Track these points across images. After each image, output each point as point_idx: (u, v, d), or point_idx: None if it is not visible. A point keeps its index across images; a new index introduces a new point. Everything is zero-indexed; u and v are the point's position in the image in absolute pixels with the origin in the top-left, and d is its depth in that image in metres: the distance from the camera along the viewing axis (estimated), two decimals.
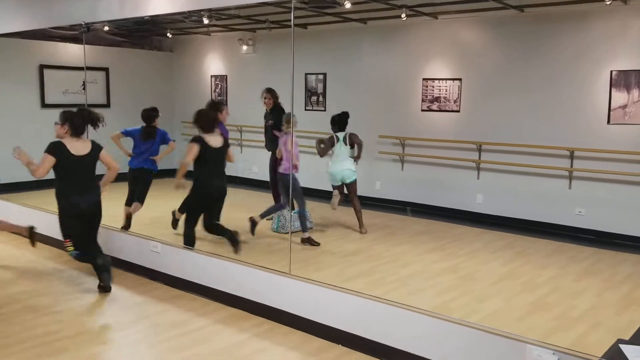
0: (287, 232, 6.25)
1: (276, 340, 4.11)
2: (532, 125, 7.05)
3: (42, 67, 9.07)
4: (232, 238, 5.25)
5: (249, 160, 9.66)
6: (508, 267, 5.54)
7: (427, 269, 5.44)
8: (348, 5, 6.61)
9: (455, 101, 7.63)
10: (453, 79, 7.62)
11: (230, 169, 9.84)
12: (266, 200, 7.61)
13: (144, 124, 6.13)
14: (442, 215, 7.65)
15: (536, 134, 7.00)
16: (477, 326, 3.52)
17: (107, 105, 9.88)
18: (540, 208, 7.06)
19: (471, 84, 7.52)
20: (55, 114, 9.28)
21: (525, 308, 4.51)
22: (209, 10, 7.13)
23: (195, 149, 4.96)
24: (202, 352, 3.88)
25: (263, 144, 7.96)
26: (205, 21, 7.95)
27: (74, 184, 4.76)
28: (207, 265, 4.90)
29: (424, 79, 7.87)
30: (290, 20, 8.12)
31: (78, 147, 4.74)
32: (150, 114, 6.10)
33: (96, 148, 4.84)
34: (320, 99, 8.79)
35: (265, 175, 8.20)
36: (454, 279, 5.16)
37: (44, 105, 9.04)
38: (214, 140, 5.12)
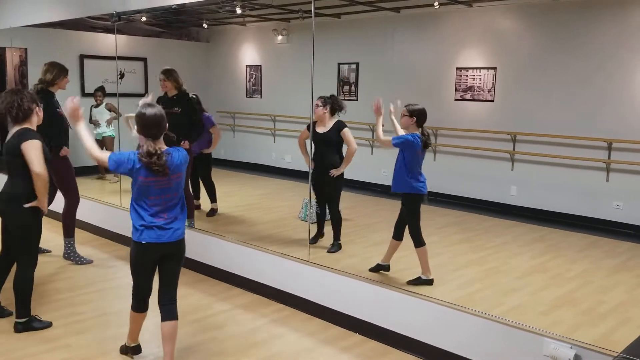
0: (314, 222, 6.27)
1: (294, 326, 4.14)
2: (568, 115, 6.83)
3: (82, 57, 9.33)
4: None
5: (283, 149, 9.72)
6: (537, 261, 5.40)
7: (454, 261, 5.36)
8: None
9: (489, 90, 7.47)
10: (487, 68, 7.45)
11: (264, 158, 10.04)
12: (299, 189, 7.66)
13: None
14: (474, 207, 7.51)
15: (573, 125, 6.78)
16: (494, 318, 3.46)
17: (146, 94, 10.08)
18: (576, 201, 6.85)
19: (506, 73, 7.33)
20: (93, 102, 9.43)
21: (551, 302, 4.39)
22: None
23: None
24: (219, 336, 3.94)
25: (297, 134, 7.86)
26: (239, 11, 8.01)
27: None
28: (229, 251, 4.97)
29: (457, 68, 7.72)
30: (322, 9, 8.15)
31: None
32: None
33: None
34: (353, 88, 8.74)
35: (299, 165, 8.18)
36: (480, 272, 5.07)
37: (84, 94, 9.29)
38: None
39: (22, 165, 3.72)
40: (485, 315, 3.49)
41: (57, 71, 5.14)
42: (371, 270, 4.76)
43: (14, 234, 3.84)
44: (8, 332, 3.89)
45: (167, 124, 3.19)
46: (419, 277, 4.53)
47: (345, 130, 5.28)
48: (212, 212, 6.64)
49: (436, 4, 7.00)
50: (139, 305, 3.37)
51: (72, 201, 5.42)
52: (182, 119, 5.37)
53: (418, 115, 4.55)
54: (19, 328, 3.88)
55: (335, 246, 5.37)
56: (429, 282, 4.51)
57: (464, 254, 5.57)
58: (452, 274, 4.96)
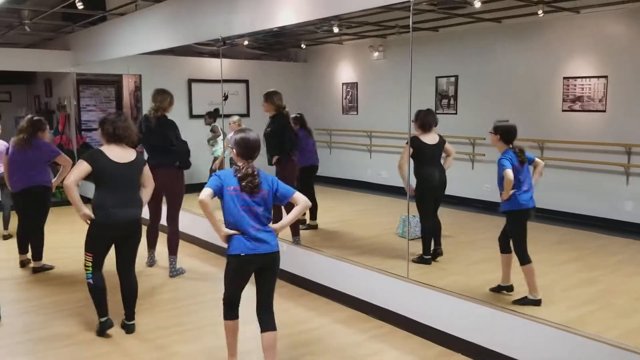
0: (412, 238, 6.18)
1: (393, 343, 4.08)
2: None
3: (190, 81, 9.90)
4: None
5: (379, 165, 9.71)
6: None
7: (563, 281, 5.07)
8: (478, 5, 6.41)
9: (600, 100, 7.04)
10: (598, 77, 7.03)
11: (360, 174, 10.07)
12: (395, 204, 7.59)
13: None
14: (584, 223, 7.05)
15: None
16: (612, 342, 3.21)
17: (247, 114, 10.48)
18: None
19: (618, 81, 6.87)
20: (202, 124, 10.00)
21: None
22: (338, 19, 7.33)
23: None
24: (320, 349, 3.97)
25: (393, 150, 7.83)
26: (336, 30, 8.16)
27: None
28: (329, 266, 5.01)
29: (564, 78, 7.35)
30: (419, 24, 8.11)
31: None
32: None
33: None
34: (452, 101, 8.58)
35: (395, 180, 8.10)
36: (592, 292, 4.76)
37: (192, 116, 9.84)
38: (430, 138, 5.36)
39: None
40: (599, 338, 3.25)
41: (171, 97, 5.62)
42: (492, 290, 4.61)
43: (135, 240, 4.21)
44: (117, 338, 4.16)
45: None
46: (526, 297, 4.32)
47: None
48: (309, 227, 6.76)
49: (540, 12, 6.75)
50: (229, 312, 3.49)
51: (178, 222, 5.77)
52: (272, 137, 5.78)
53: (502, 132, 4.45)
54: (133, 329, 4.23)
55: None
56: (537, 303, 4.29)
57: (574, 273, 5.25)
58: (562, 294, 4.69)
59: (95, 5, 8.38)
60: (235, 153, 3.39)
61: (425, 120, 5.39)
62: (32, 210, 5.77)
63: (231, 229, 3.33)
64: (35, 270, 5.82)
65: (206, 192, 3.25)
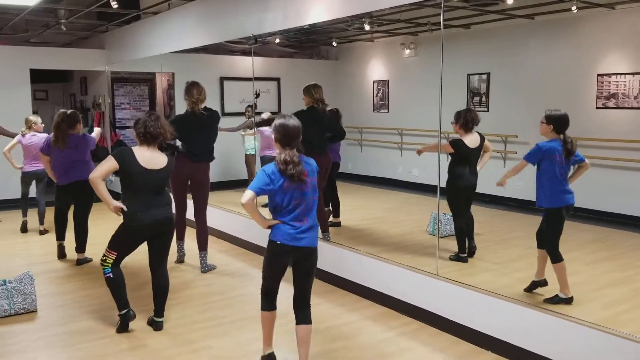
0: (443, 236, 6.16)
1: (423, 340, 4.10)
2: None
3: (222, 79, 10.02)
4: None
5: (410, 163, 9.67)
6: None
7: (596, 279, 5.00)
8: (510, 1, 6.35)
9: (635, 97, 6.89)
10: (633, 74, 6.89)
11: (391, 172, 10.06)
12: (426, 202, 7.58)
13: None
14: (620, 222, 6.91)
15: None
16: None
17: (279, 112, 10.56)
18: None
19: None
20: (233, 121, 10.19)
21: None
22: (369, 16, 7.33)
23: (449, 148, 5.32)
24: (350, 345, 4.01)
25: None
26: (367, 27, 8.16)
27: None
28: (359, 263, 5.04)
29: (598, 75, 7.22)
30: (451, 21, 8.05)
31: None
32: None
33: None
34: (483, 99, 8.51)
35: (426, 178, 8.10)
36: (626, 291, 4.68)
37: (224, 113, 9.94)
38: (472, 140, 5.36)
39: None
40: (634, 338, 3.21)
41: (204, 90, 5.61)
42: (527, 290, 4.52)
43: (166, 237, 4.26)
44: (151, 332, 4.26)
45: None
46: (557, 295, 4.28)
47: None
48: (333, 224, 6.75)
49: (574, 8, 6.64)
50: (267, 303, 3.51)
51: (206, 216, 5.84)
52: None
53: (555, 122, 4.37)
54: (161, 326, 4.28)
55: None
56: (568, 301, 4.24)
57: (608, 272, 5.17)
58: (595, 294, 4.63)
59: (129, 5, 8.55)
60: (274, 139, 3.34)
61: (467, 117, 5.36)
62: (73, 202, 6.00)
63: (275, 216, 3.35)
64: (79, 262, 6.02)
65: (249, 195, 3.21)
